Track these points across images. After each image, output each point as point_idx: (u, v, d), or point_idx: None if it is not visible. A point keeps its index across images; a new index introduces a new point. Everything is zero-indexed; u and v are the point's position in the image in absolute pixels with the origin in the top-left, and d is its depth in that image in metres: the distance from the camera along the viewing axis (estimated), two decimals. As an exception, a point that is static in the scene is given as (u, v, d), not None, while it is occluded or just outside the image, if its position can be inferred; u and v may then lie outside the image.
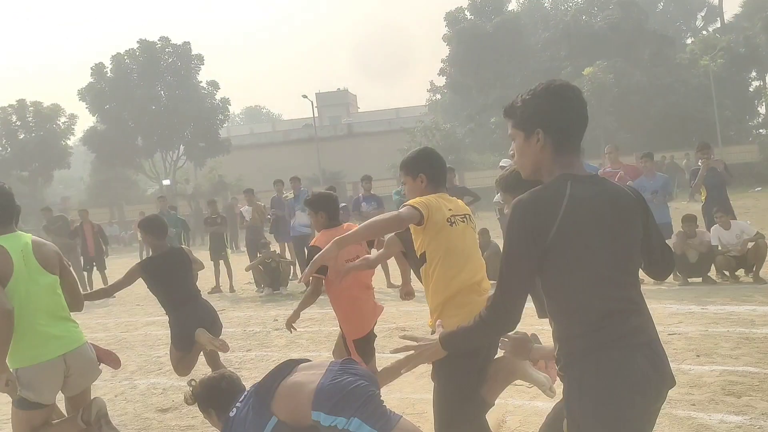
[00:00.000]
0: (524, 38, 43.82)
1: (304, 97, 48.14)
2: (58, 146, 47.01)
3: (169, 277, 5.40)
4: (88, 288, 13.56)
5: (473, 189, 12.83)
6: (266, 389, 3.47)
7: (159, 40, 45.36)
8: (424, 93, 77.36)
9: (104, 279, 13.94)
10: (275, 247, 13.19)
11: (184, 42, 45.85)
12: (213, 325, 5.45)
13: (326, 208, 4.84)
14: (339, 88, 72.78)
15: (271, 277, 11.97)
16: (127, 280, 5.29)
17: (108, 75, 44.72)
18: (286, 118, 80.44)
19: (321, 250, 3.19)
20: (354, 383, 3.29)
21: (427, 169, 3.56)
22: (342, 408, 3.19)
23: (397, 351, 2.63)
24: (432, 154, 3.69)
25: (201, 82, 46.75)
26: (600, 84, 35.45)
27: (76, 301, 4.10)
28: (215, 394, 3.63)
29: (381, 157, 42.37)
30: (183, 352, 5.40)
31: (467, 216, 3.52)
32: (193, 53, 46.01)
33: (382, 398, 3.37)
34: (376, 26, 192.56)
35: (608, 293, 2.15)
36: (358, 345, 4.51)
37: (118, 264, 15.83)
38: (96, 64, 44.80)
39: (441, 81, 47.45)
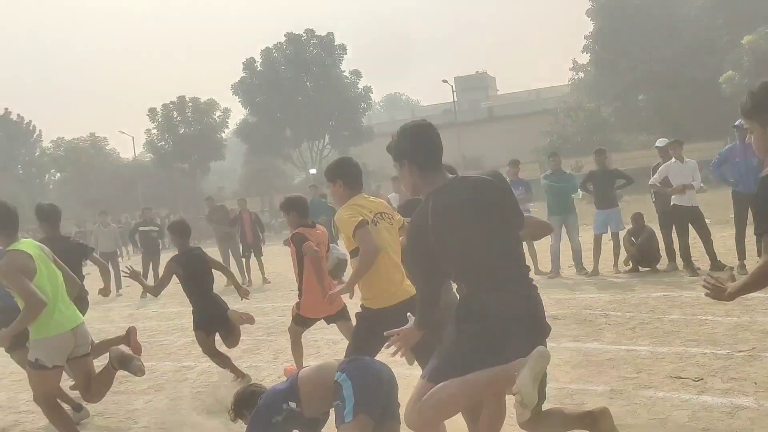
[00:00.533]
0: (676, 7, 41.17)
1: (444, 81, 48.16)
2: (214, 139, 49.86)
3: (196, 272, 6.54)
4: (245, 275, 14.33)
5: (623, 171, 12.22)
6: (291, 377, 3.92)
7: (304, 33, 46.85)
8: (565, 72, 74.94)
9: (260, 265, 14.61)
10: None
11: (328, 33, 47.08)
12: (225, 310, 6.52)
13: (296, 207, 5.95)
14: (477, 71, 72.01)
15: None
16: (167, 277, 6.50)
17: (258, 69, 46.83)
18: (424, 104, 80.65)
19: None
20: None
21: (343, 175, 4.34)
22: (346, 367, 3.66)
23: (389, 346, 3.45)
24: (347, 161, 4.52)
25: (344, 71, 47.87)
26: (764, 53, 32.62)
27: (72, 288, 5.08)
28: (246, 398, 3.99)
29: (523, 140, 41.58)
30: (210, 334, 6.50)
31: (383, 213, 4.28)
32: (336, 43, 47.16)
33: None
34: (516, 4, 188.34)
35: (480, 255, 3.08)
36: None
37: (272, 251, 16.57)
38: (247, 59, 47.02)
39: (584, 58, 45.64)
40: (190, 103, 50.00)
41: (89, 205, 48.90)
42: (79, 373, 5.03)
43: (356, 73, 47.76)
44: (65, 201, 59.71)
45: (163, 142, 50.38)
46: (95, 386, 5.02)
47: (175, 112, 50.20)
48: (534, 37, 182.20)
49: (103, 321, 11.35)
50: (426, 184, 3.21)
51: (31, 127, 57.29)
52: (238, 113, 53.55)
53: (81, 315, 5.13)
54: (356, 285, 4.24)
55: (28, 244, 4.79)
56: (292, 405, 3.71)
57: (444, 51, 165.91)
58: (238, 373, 6.42)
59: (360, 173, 4.42)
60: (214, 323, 6.49)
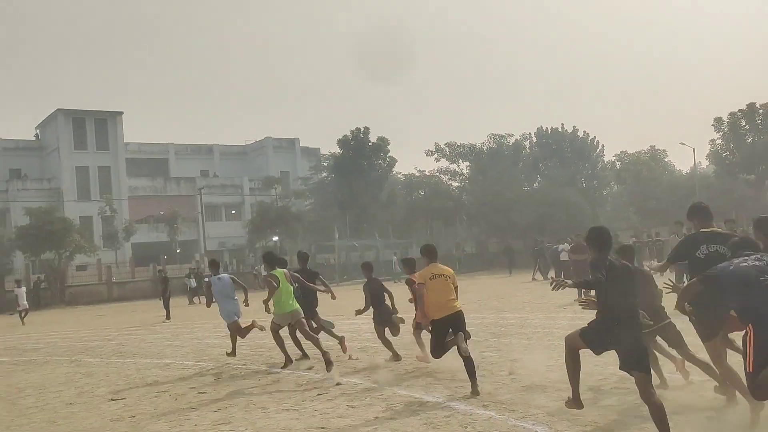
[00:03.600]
0: None
1: None
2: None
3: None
4: None
5: None
6: None
7: None
8: None
9: None
10: None
11: None
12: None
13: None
14: None
15: None
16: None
17: None
18: None
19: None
20: None
21: (426, 253, 8.39)
22: None
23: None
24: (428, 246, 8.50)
25: None
26: None
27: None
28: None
29: None
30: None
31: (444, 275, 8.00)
32: None
33: None
34: None
35: None
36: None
37: None
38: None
39: None
40: (761, 110, 45.76)
41: (646, 216, 49.02)
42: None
43: None
44: (621, 212, 61.43)
45: (728, 153, 47.40)
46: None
47: (743, 120, 46.69)
48: None
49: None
50: None
51: (594, 143, 60.43)
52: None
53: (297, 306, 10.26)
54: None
55: (278, 271, 10.29)
56: None
57: None
58: None
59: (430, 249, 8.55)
60: None
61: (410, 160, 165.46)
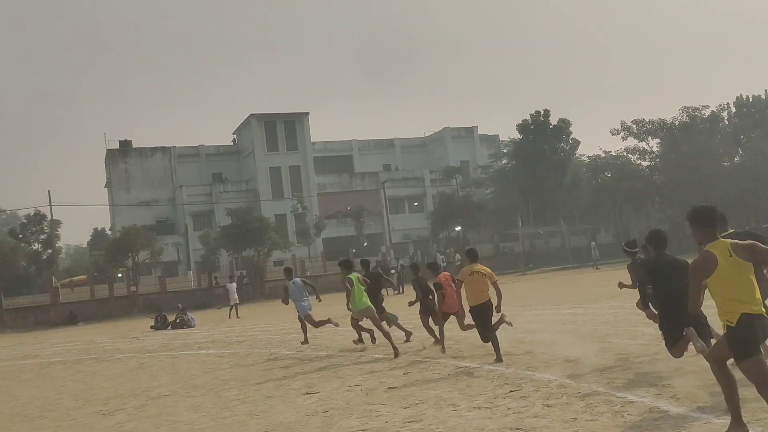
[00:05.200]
0: None
1: None
2: None
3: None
4: None
5: None
6: None
7: None
8: None
9: None
10: None
11: None
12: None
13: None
14: None
15: None
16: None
17: None
18: None
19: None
20: None
21: (468, 254, 10.81)
22: None
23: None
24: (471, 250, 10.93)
25: None
26: None
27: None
28: None
29: None
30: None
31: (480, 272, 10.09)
32: None
33: None
34: None
35: None
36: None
37: None
38: None
39: None
40: None
41: None
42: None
43: None
44: None
45: None
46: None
47: None
48: None
49: None
50: None
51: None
52: None
53: (369, 303, 12.14)
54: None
55: (354, 276, 12.02)
56: None
57: None
58: None
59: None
60: None
61: (594, 140, 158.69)
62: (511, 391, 7.74)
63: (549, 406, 6.90)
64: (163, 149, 66.50)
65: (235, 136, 70.83)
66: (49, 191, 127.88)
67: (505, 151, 67.58)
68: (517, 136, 60.58)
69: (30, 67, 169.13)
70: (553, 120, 58.65)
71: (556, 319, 14.90)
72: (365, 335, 13.11)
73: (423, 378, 9.27)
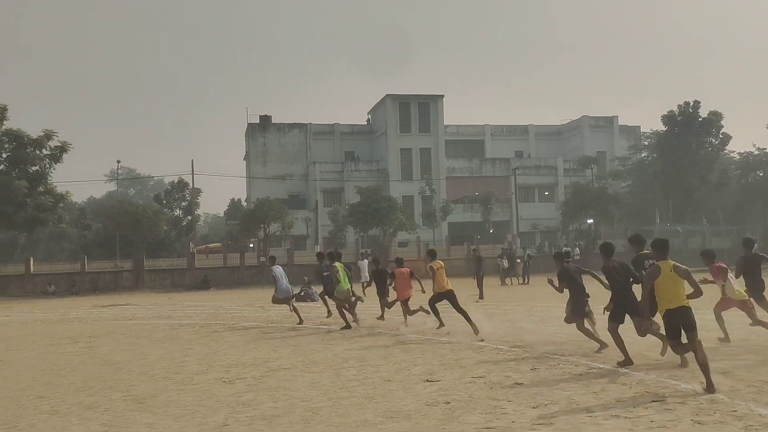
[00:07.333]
0: None
1: None
2: None
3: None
4: None
5: None
6: None
7: None
8: None
9: None
10: None
11: None
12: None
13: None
14: None
15: None
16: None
17: None
18: None
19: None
20: None
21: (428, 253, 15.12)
22: None
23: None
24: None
25: None
26: None
27: None
28: None
29: None
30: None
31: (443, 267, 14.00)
32: None
33: None
34: None
35: None
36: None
37: None
38: None
39: None
40: None
41: None
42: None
43: None
44: None
45: None
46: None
47: None
48: None
49: None
50: None
51: None
52: None
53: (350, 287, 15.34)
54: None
55: (339, 265, 15.46)
56: None
57: None
58: None
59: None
60: None
61: (748, 136, 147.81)
62: (653, 401, 6.96)
63: (700, 423, 6.10)
64: (300, 126, 68.26)
65: (370, 116, 71.44)
66: (192, 161, 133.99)
67: (646, 143, 64.07)
68: (661, 127, 57.21)
69: (181, 42, 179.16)
70: (703, 112, 54.87)
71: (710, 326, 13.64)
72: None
73: (552, 376, 8.61)
